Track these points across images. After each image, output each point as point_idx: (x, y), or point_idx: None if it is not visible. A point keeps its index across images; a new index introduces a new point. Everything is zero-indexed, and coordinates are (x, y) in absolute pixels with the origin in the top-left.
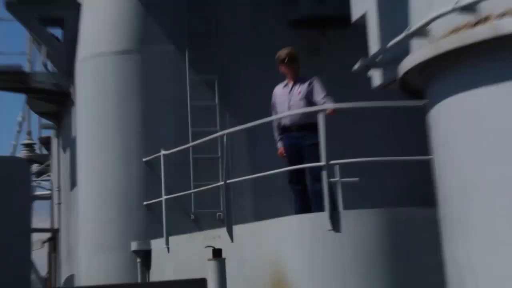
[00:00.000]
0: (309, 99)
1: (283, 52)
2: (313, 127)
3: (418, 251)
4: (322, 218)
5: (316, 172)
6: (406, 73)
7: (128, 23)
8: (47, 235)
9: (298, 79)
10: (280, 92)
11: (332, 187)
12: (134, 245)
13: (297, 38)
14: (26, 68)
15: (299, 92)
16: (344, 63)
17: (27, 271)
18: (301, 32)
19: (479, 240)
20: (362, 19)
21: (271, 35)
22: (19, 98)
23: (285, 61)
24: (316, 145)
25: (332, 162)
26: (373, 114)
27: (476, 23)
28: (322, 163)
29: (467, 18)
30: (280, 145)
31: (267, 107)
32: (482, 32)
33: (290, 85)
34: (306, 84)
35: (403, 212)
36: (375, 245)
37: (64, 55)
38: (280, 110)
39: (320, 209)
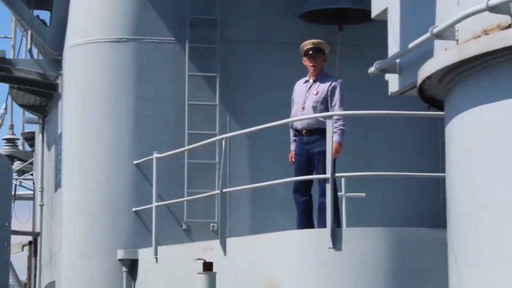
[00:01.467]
0: (326, 102)
1: (308, 42)
2: (326, 133)
3: (423, 274)
4: (323, 234)
5: (324, 184)
6: (426, 79)
7: (123, 8)
8: (28, 238)
9: (320, 76)
10: (299, 88)
11: (337, 201)
12: (120, 254)
13: (309, 32)
14: (10, 54)
15: (316, 93)
16: (361, 62)
17: (5, 275)
18: (314, 27)
19: (489, 267)
20: (383, 15)
21: (281, 28)
22: (1, 89)
23: (309, 53)
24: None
25: (338, 174)
26: (388, 123)
27: (508, 25)
28: (327, 175)
29: (500, 18)
30: (292, 147)
31: (273, 109)
32: None
33: (311, 81)
34: (327, 84)
35: (410, 232)
36: (377, 266)
37: (52, 41)
38: (295, 109)
39: (325, 225)
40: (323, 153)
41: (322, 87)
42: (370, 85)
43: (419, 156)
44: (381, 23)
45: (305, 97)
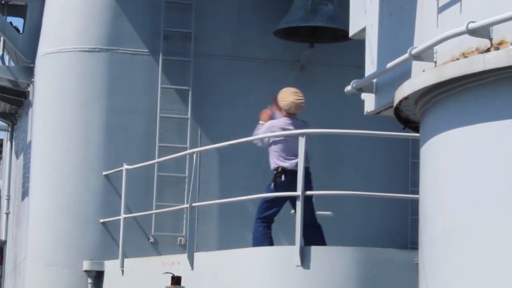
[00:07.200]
0: None
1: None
2: None
3: None
4: (291, 252)
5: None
6: (403, 100)
7: (97, 18)
8: None
9: None
10: None
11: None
12: (86, 265)
13: (283, 49)
14: None
15: None
16: (333, 80)
17: None
18: (288, 44)
19: None
20: (361, 34)
21: (254, 44)
22: None
23: None
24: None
25: (308, 192)
26: (359, 142)
27: (487, 49)
28: (298, 192)
29: (479, 42)
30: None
31: (245, 124)
32: (494, 59)
33: None
34: None
35: (379, 252)
36: (345, 286)
37: (24, 48)
38: None
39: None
40: None
41: None
42: (341, 103)
43: (388, 177)
44: (355, 42)
45: None
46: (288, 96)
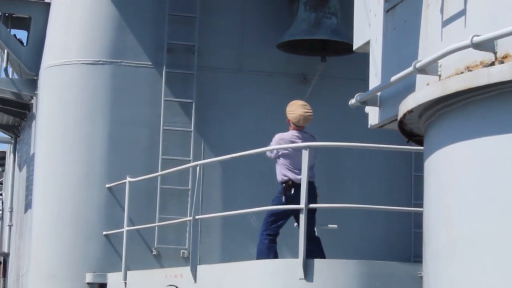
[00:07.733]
0: None
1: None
2: None
3: None
4: (294, 265)
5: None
6: (407, 113)
7: (101, 31)
8: None
9: None
10: None
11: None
12: (89, 277)
13: (286, 62)
14: None
15: None
16: (336, 93)
17: None
18: (291, 57)
19: None
20: (365, 48)
21: (258, 57)
22: None
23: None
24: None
25: (311, 205)
26: (362, 155)
27: (492, 63)
28: (302, 205)
29: (483, 56)
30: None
31: (248, 137)
32: (498, 73)
33: None
34: None
35: (382, 265)
36: None
37: (28, 61)
38: None
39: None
40: None
41: None
42: (344, 116)
43: (391, 190)
44: (358, 55)
45: None
46: (296, 109)
